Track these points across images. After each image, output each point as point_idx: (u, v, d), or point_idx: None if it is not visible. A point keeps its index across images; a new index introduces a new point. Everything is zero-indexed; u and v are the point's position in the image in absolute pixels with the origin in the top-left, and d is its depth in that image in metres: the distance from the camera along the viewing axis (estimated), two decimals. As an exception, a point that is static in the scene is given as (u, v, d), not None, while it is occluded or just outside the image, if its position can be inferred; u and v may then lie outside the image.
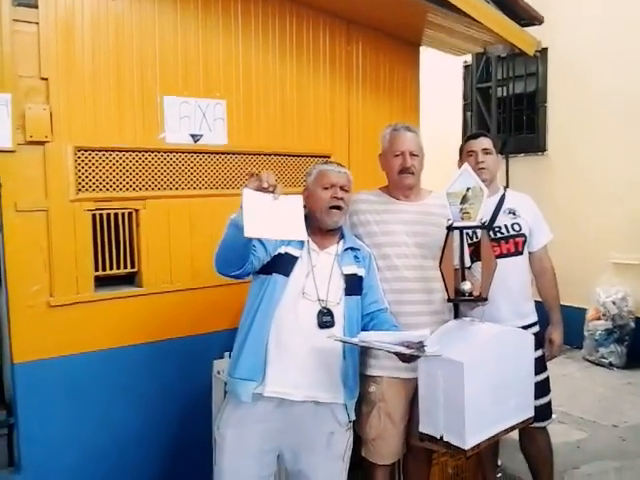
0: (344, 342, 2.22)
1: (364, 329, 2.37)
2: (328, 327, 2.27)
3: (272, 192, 2.04)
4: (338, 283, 2.36)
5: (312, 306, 2.29)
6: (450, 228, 2.41)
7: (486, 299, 2.42)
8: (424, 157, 2.72)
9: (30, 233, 2.65)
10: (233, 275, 2.26)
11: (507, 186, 6.13)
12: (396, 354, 2.10)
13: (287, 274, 2.30)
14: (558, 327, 3.03)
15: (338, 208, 2.38)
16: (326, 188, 2.39)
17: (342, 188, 2.40)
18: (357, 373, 2.48)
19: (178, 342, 3.02)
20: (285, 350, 2.27)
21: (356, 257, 2.45)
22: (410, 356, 2.08)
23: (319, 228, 2.42)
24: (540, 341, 2.94)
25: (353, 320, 2.37)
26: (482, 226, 2.43)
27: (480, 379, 2.20)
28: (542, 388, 2.89)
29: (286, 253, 2.33)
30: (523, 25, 4.13)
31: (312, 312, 2.28)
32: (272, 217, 2.04)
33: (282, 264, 2.30)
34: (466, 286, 2.43)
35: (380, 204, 2.68)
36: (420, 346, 2.05)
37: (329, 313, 2.29)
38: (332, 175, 2.40)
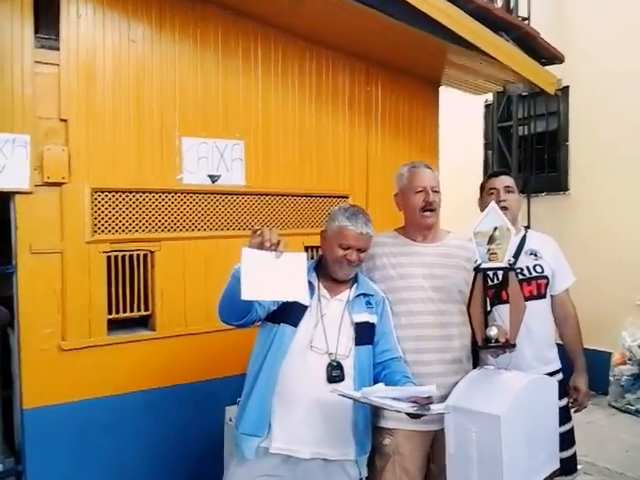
0: (347, 397, 2.11)
1: (376, 379, 2.28)
2: (337, 381, 2.16)
3: (274, 250, 1.98)
4: (348, 333, 2.25)
5: (321, 359, 2.19)
6: (478, 269, 2.33)
7: (514, 345, 2.32)
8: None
9: (44, 275, 2.62)
10: (236, 325, 2.20)
11: (528, 226, 6.02)
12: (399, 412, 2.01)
13: (295, 324, 2.20)
14: (583, 374, 2.90)
15: (349, 263, 2.29)
16: (342, 247, 2.26)
17: (360, 250, 2.28)
18: (369, 426, 2.36)
19: (190, 387, 2.96)
20: (292, 404, 2.18)
21: (368, 303, 2.33)
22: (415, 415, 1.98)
23: (332, 276, 2.34)
24: (564, 389, 2.82)
25: (364, 371, 2.27)
26: (510, 268, 2.34)
27: (516, 432, 2.09)
28: (567, 439, 2.76)
29: (295, 301, 2.24)
30: (544, 64, 4.11)
31: (321, 365, 2.18)
32: (272, 277, 1.97)
33: (291, 313, 2.19)
34: (492, 332, 2.32)
35: (396, 246, 2.59)
36: (427, 402, 1.95)
37: (338, 366, 2.19)
38: (351, 237, 2.25)
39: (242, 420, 2.22)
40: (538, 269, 2.80)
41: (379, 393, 2.00)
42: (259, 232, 2.00)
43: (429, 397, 1.95)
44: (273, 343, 2.20)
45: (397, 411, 1.98)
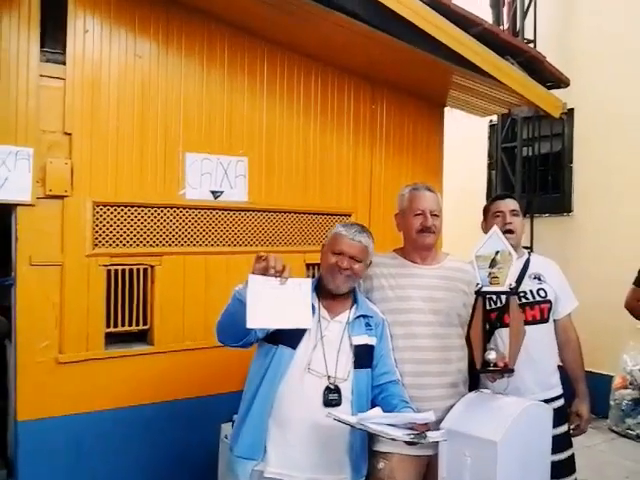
0: (342, 422, 2.09)
1: (373, 401, 2.24)
2: (334, 405, 2.14)
3: (279, 277, 1.96)
4: (347, 355, 2.21)
5: (319, 382, 2.15)
6: (479, 293, 2.32)
7: (513, 370, 2.30)
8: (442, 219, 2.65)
9: (43, 287, 2.62)
10: (233, 346, 2.18)
11: (531, 248, 6.00)
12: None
13: (294, 346, 2.16)
14: (585, 400, 2.87)
15: (340, 271, 2.25)
16: (335, 253, 2.25)
17: (353, 258, 2.25)
18: (366, 449, 2.34)
19: (187, 403, 2.94)
20: (288, 428, 2.14)
21: (368, 324, 2.30)
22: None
23: (329, 291, 2.31)
24: (565, 415, 2.79)
25: (362, 395, 2.24)
26: (512, 292, 2.32)
27: (510, 458, 2.06)
28: (568, 466, 2.72)
29: None
30: (549, 87, 4.11)
31: (318, 389, 2.14)
32: (277, 304, 1.96)
33: (289, 334, 2.13)
34: (491, 356, 2.30)
35: (395, 267, 2.57)
36: (425, 429, 1.92)
37: (336, 390, 2.16)
38: (344, 243, 2.25)
39: (237, 442, 2.19)
40: (542, 293, 2.77)
41: (375, 419, 1.98)
42: (264, 258, 1.98)
43: (426, 424, 1.93)
44: (271, 365, 2.18)
45: (393, 439, 1.96)
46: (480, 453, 2.05)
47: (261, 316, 1.92)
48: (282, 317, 1.98)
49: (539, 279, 2.80)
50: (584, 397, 2.85)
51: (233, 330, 2.12)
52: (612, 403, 5.68)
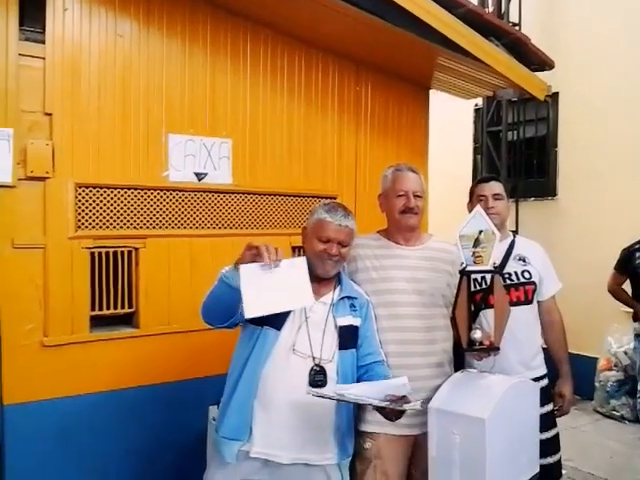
0: (321, 397, 2.07)
1: (358, 381, 2.24)
2: (320, 386, 2.12)
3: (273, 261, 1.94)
4: (332, 336, 2.22)
5: (304, 363, 2.15)
6: (464, 272, 2.32)
7: (499, 348, 2.32)
8: (426, 200, 2.64)
9: (26, 270, 2.59)
10: (219, 327, 2.18)
11: (516, 231, 6.03)
12: (376, 408, 1.99)
13: (279, 327, 2.16)
14: (568, 380, 2.90)
15: (330, 257, 2.23)
16: (322, 240, 2.22)
17: (340, 244, 2.23)
18: (352, 429, 2.35)
19: (174, 386, 2.93)
20: (273, 409, 2.14)
21: (352, 306, 2.30)
22: (392, 415, 1.97)
23: (317, 275, 2.26)
24: (549, 395, 2.82)
25: (347, 376, 2.22)
26: (495, 270, 2.34)
27: (499, 435, 2.07)
28: (552, 445, 2.76)
29: None
30: (534, 70, 4.11)
31: (303, 370, 2.15)
32: (274, 288, 1.93)
33: (274, 315, 2.09)
34: (477, 334, 2.32)
35: (379, 248, 2.56)
36: (403, 401, 1.93)
37: (322, 371, 2.15)
38: (330, 229, 2.21)
39: (223, 424, 2.19)
40: (526, 275, 2.79)
41: (352, 389, 1.98)
42: (255, 246, 1.96)
43: (404, 397, 1.94)
44: (255, 346, 2.17)
45: (371, 405, 1.96)
46: (469, 431, 2.06)
47: (260, 303, 1.90)
48: (281, 300, 1.96)
49: (524, 261, 2.83)
50: (567, 378, 2.89)
51: (219, 311, 2.12)
52: (597, 385, 5.75)
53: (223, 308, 2.09)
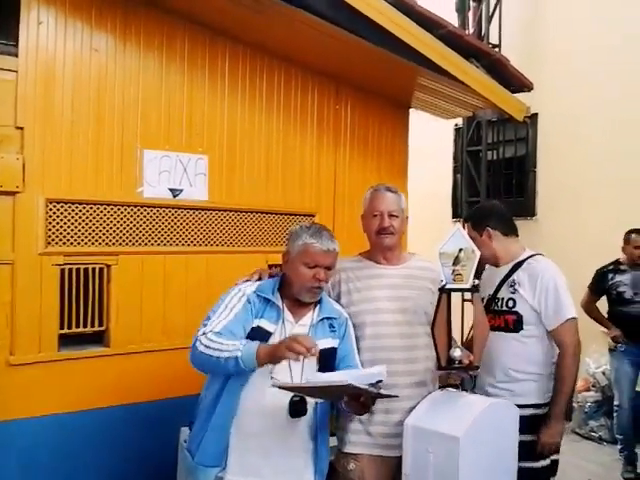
0: (289, 389, 2.01)
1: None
2: (300, 416, 2.08)
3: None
4: (312, 361, 2.12)
5: (283, 392, 2.05)
6: (443, 290, 2.30)
7: (478, 367, 2.29)
8: (406, 219, 2.62)
9: (-7, 286, 2.52)
10: None
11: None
12: (346, 403, 2.02)
13: None
14: (549, 423, 2.61)
15: (319, 282, 2.19)
16: (309, 266, 2.16)
17: (327, 268, 2.19)
18: (328, 453, 2.31)
19: (145, 406, 2.86)
20: (251, 438, 2.09)
21: (331, 326, 2.26)
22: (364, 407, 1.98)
23: (298, 299, 2.22)
24: (531, 425, 2.60)
25: (326, 402, 2.21)
26: (474, 289, 2.32)
27: (474, 455, 2.05)
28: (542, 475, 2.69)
29: (259, 327, 2.12)
30: (513, 91, 4.13)
31: (283, 399, 2.07)
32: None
33: (252, 339, 2.06)
34: (456, 353, 2.28)
35: (361, 270, 2.55)
36: (378, 387, 1.92)
37: (302, 400, 2.09)
38: (318, 255, 2.16)
39: (199, 450, 2.13)
40: (510, 304, 2.70)
41: (324, 378, 1.96)
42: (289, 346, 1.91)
43: (379, 381, 1.96)
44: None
45: (344, 385, 1.88)
46: (443, 449, 2.04)
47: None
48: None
49: (514, 288, 2.72)
50: (549, 420, 2.64)
51: (216, 372, 2.12)
52: (575, 406, 5.73)
53: (222, 373, 2.08)
